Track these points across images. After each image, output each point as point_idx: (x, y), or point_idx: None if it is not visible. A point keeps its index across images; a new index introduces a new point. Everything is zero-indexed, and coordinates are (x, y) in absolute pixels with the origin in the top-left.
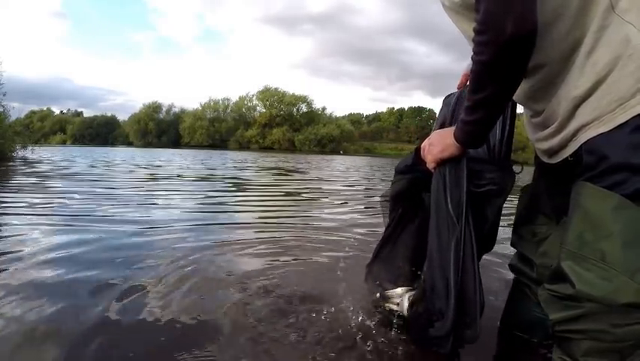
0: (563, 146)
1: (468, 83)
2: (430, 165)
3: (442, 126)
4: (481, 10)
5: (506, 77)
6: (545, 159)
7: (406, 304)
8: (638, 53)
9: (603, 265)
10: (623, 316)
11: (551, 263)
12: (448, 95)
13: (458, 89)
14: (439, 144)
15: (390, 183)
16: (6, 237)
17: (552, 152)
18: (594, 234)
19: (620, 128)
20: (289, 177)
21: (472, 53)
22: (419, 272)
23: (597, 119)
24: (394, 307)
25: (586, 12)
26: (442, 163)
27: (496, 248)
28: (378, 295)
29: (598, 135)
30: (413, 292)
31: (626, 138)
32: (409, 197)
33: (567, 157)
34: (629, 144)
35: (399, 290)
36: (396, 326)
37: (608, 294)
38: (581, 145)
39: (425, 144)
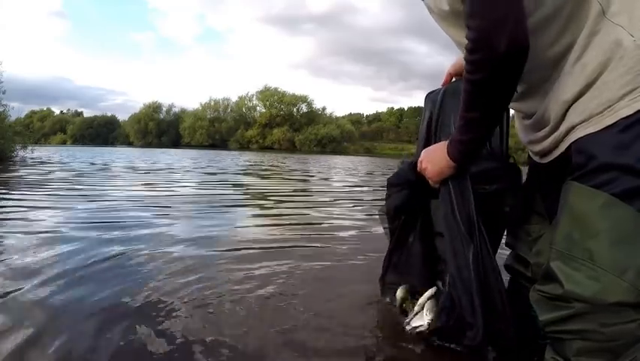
0: (554, 147)
1: (461, 100)
2: (433, 185)
3: (429, 123)
4: (473, 28)
5: (500, 94)
6: (537, 159)
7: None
8: (629, 56)
9: (591, 265)
10: (612, 315)
11: (545, 262)
12: (431, 92)
13: (442, 86)
14: (435, 166)
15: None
16: None
17: (544, 153)
18: (582, 233)
19: (609, 129)
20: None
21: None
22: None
23: (586, 121)
24: (419, 321)
25: (577, 17)
26: (444, 181)
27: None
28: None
29: (586, 135)
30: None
31: (614, 138)
32: (408, 209)
33: (557, 156)
34: (617, 143)
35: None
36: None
37: (597, 294)
38: (570, 144)
39: (421, 161)
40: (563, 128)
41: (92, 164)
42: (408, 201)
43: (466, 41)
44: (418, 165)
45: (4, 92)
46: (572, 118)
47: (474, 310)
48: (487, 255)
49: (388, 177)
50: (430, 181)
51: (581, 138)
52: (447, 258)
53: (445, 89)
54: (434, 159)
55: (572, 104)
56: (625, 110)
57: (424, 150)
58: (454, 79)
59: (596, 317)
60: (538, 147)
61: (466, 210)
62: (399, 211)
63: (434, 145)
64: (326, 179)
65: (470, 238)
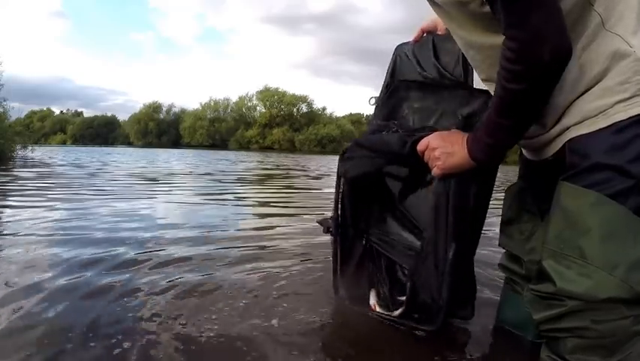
0: (548, 145)
1: (491, 106)
2: (435, 174)
3: (392, 73)
4: (515, 39)
5: (537, 103)
6: (530, 156)
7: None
8: (628, 66)
9: (582, 262)
10: (605, 312)
11: (539, 259)
12: (402, 45)
13: (414, 41)
14: (451, 159)
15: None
16: None
17: (536, 149)
18: (573, 231)
19: (603, 130)
20: None
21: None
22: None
23: (580, 122)
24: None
25: (578, 26)
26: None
27: (491, 247)
28: None
29: (580, 136)
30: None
31: (607, 139)
32: (369, 180)
33: (550, 155)
34: (610, 144)
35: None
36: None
37: (588, 290)
38: (565, 144)
39: (426, 144)
40: (557, 128)
41: (79, 167)
42: (375, 171)
43: (473, 41)
44: (423, 146)
45: (5, 100)
46: (566, 120)
47: (439, 302)
48: (469, 253)
49: (357, 138)
50: (434, 170)
51: (575, 138)
52: (427, 244)
53: (420, 46)
54: (452, 152)
55: (567, 108)
56: (620, 114)
57: (435, 135)
58: (424, 35)
59: (588, 314)
60: (531, 144)
61: (463, 210)
62: (358, 180)
63: (449, 133)
64: None
65: (454, 238)
